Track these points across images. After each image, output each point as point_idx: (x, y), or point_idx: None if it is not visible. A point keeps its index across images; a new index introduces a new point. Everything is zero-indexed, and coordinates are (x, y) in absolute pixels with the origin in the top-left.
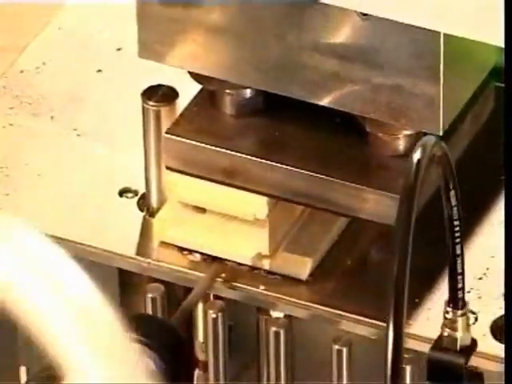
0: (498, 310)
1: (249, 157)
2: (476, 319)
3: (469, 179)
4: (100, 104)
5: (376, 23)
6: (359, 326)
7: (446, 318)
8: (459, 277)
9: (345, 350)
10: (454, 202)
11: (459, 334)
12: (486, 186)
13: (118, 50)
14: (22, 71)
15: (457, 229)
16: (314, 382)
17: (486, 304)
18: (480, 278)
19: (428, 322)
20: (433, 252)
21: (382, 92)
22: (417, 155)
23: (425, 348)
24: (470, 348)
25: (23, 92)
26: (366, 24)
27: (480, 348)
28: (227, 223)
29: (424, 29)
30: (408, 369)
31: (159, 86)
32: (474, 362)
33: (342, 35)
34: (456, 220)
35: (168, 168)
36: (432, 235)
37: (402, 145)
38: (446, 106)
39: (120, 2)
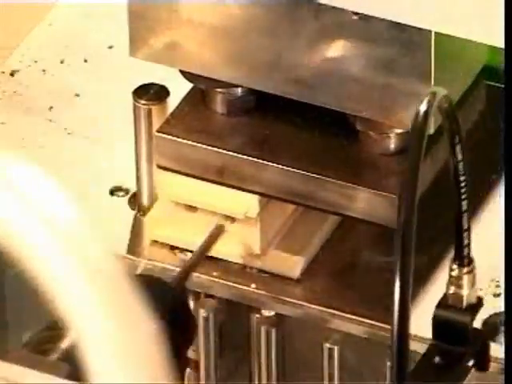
0: (490, 310)
1: (240, 155)
2: None
3: None
4: (91, 103)
5: (367, 22)
6: (350, 324)
7: (451, 276)
8: (465, 233)
9: (336, 348)
10: (459, 156)
11: (465, 292)
12: (476, 184)
13: (110, 47)
14: (12, 70)
15: (462, 184)
16: (305, 382)
17: None
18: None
19: (422, 321)
20: (428, 252)
21: (373, 90)
22: (423, 106)
23: (416, 347)
24: (476, 306)
25: (14, 91)
26: (357, 22)
27: None
28: (218, 222)
29: (415, 27)
30: None
31: (150, 84)
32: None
33: (333, 34)
34: (462, 175)
35: (159, 167)
36: (427, 235)
37: (392, 143)
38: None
39: (111, 1)
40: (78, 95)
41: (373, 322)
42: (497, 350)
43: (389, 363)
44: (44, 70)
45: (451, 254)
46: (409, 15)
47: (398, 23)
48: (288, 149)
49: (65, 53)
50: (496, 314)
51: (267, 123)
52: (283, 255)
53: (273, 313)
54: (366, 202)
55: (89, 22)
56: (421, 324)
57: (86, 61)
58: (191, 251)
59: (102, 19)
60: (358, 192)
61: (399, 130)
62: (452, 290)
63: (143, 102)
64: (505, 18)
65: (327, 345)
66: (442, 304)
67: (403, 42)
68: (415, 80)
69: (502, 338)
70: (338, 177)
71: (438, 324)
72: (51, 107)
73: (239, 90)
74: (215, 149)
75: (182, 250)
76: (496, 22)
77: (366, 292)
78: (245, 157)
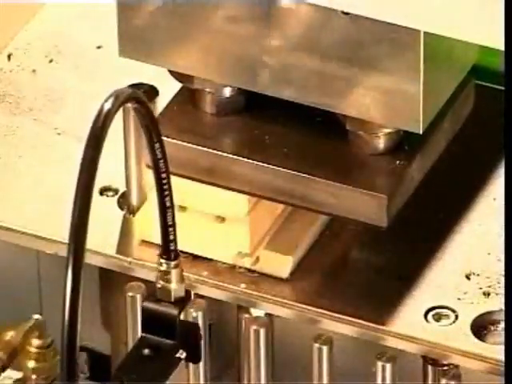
0: (479, 308)
1: (229, 155)
2: (456, 317)
3: (448, 177)
4: (80, 103)
5: (357, 21)
6: (340, 324)
7: (159, 271)
8: (170, 229)
9: (325, 348)
10: (159, 154)
11: (173, 286)
12: (466, 184)
13: (99, 47)
14: (1, 70)
15: (165, 181)
16: (294, 382)
17: (467, 303)
18: (467, 277)
19: (409, 320)
20: (411, 252)
21: (363, 90)
22: (108, 104)
23: (405, 346)
24: (184, 299)
25: (4, 91)
26: (347, 22)
27: (461, 346)
28: (208, 222)
29: (404, 27)
30: (388, 367)
31: (139, 84)
32: (455, 360)
33: (323, 34)
34: (163, 172)
35: (148, 167)
36: (411, 236)
37: (382, 143)
38: (426, 104)
39: (100, 1)
40: (67, 95)
41: (362, 322)
42: (485, 349)
43: None
44: (33, 70)
45: (442, 254)
46: (398, 15)
47: (388, 23)
48: (277, 149)
49: (54, 53)
50: (486, 314)
51: (257, 123)
52: (273, 255)
53: (262, 313)
54: (356, 202)
55: (78, 22)
56: (410, 324)
57: (74, 61)
58: (180, 251)
59: (90, 19)
60: (347, 192)
61: (388, 130)
62: (160, 284)
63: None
64: (505, 18)
65: (316, 344)
66: (151, 298)
67: (392, 41)
68: (404, 80)
69: (490, 337)
70: (327, 177)
71: (147, 317)
72: (41, 107)
73: (229, 90)
74: (204, 149)
75: None
76: (486, 21)
77: (355, 291)
78: (234, 157)
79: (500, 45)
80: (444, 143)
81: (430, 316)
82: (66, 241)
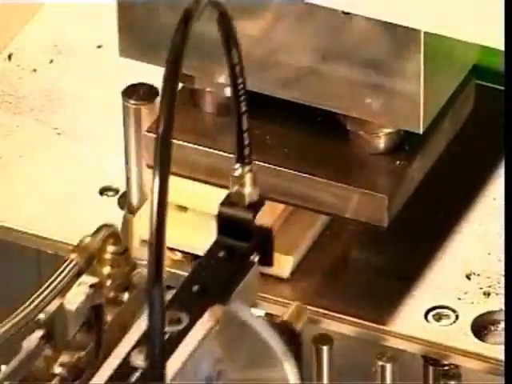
0: (480, 309)
1: (230, 155)
2: (457, 317)
3: (448, 177)
4: (80, 103)
5: (357, 21)
6: (340, 324)
7: (233, 176)
8: (245, 134)
9: (325, 348)
10: (235, 60)
11: (247, 190)
12: (467, 184)
13: (99, 47)
14: (2, 70)
15: (240, 86)
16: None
17: (467, 303)
18: (467, 277)
19: (409, 319)
20: (411, 252)
21: (363, 90)
22: (189, 7)
23: (406, 346)
24: (258, 203)
25: (4, 91)
26: (347, 22)
27: (461, 346)
28: (208, 222)
29: (404, 27)
30: (388, 367)
31: (140, 84)
32: (455, 360)
33: (323, 33)
34: (239, 77)
35: (149, 166)
36: (411, 236)
37: (382, 143)
38: (426, 104)
39: (100, 1)
40: (67, 95)
41: (362, 322)
42: (486, 349)
43: None
44: (33, 70)
45: (443, 254)
46: (398, 15)
47: (388, 22)
48: (278, 149)
49: (54, 53)
50: (486, 314)
51: (257, 123)
52: (273, 255)
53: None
54: (356, 202)
55: (78, 21)
56: (411, 324)
57: (74, 60)
58: (181, 251)
59: (90, 19)
60: (347, 191)
61: (389, 130)
62: (235, 188)
63: (132, 101)
64: (505, 18)
65: (317, 344)
66: (226, 202)
67: (392, 41)
68: (405, 79)
69: (490, 337)
70: (327, 176)
71: (223, 221)
72: (41, 107)
73: (228, 89)
74: (205, 149)
75: (172, 250)
76: (486, 21)
77: (355, 291)
78: (233, 156)
79: (500, 45)
80: (444, 143)
81: (430, 316)
82: (66, 241)
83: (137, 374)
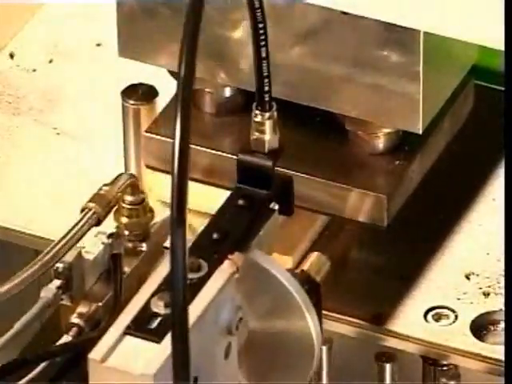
0: (479, 309)
1: (229, 155)
2: (456, 317)
3: (448, 177)
4: (80, 102)
5: (356, 21)
6: (340, 324)
7: (254, 122)
8: (266, 80)
9: (325, 348)
10: (257, 4)
11: (267, 137)
12: (466, 184)
13: (98, 47)
14: (1, 70)
15: (261, 31)
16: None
17: (466, 303)
18: (466, 277)
19: (408, 319)
20: (411, 252)
21: (362, 90)
22: None
23: (405, 346)
24: (278, 150)
25: (3, 91)
26: (347, 22)
27: (460, 346)
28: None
29: (404, 27)
30: (387, 367)
31: (139, 84)
32: (454, 360)
33: (322, 34)
34: (260, 23)
35: (148, 166)
36: (410, 236)
37: (382, 143)
38: (425, 104)
39: (99, 1)
40: (66, 95)
41: (362, 322)
42: (485, 349)
43: None
44: (33, 70)
45: (442, 254)
46: (398, 15)
47: (388, 23)
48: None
49: (54, 53)
50: (485, 314)
51: None
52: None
53: None
54: (355, 202)
55: (77, 21)
56: (410, 324)
57: (74, 61)
58: None
59: (90, 19)
60: (346, 192)
61: (388, 130)
62: (255, 135)
63: (132, 101)
64: (505, 18)
65: None
66: (245, 149)
67: (392, 41)
68: (404, 80)
69: (489, 337)
70: (326, 176)
71: (242, 168)
72: (40, 107)
73: (228, 90)
74: (204, 149)
75: None
76: (486, 21)
77: (355, 292)
78: (233, 157)
79: (500, 45)
80: (443, 143)
81: (429, 316)
82: None
83: (157, 321)
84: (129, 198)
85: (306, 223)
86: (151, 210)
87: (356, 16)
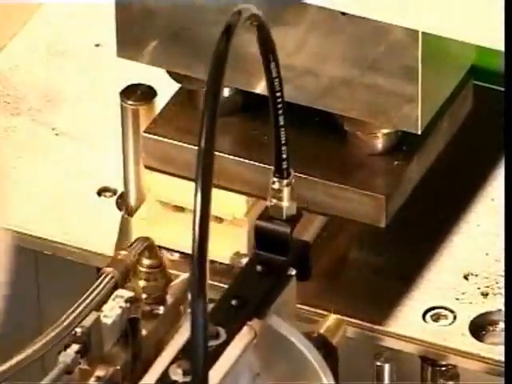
0: (478, 309)
1: (227, 156)
2: (455, 318)
3: (446, 178)
4: (78, 103)
5: (355, 22)
6: None
7: (272, 189)
8: (283, 147)
9: None
10: (274, 74)
11: (285, 204)
12: (465, 184)
13: (97, 47)
14: (0, 70)
15: (279, 100)
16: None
17: (465, 303)
18: (465, 278)
19: (407, 320)
20: (410, 253)
21: (361, 90)
22: (230, 20)
23: (404, 347)
24: (296, 217)
25: (2, 91)
26: (345, 23)
27: (459, 347)
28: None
29: (402, 27)
30: (386, 367)
31: (138, 85)
32: (453, 360)
33: (320, 34)
34: (278, 92)
35: (146, 167)
36: (409, 236)
37: (380, 143)
38: (424, 105)
39: (98, 1)
40: (65, 96)
41: (361, 322)
42: (484, 349)
43: None
44: (31, 71)
45: (441, 255)
46: (396, 15)
47: (386, 23)
48: None
49: (53, 53)
50: (484, 314)
51: (254, 124)
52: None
53: None
54: (354, 202)
55: (76, 22)
56: (409, 324)
57: (73, 61)
58: (178, 251)
59: (89, 20)
60: (345, 192)
61: (387, 130)
62: (273, 202)
63: (130, 102)
64: (505, 18)
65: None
66: (264, 216)
67: (390, 41)
68: (403, 80)
69: (488, 337)
70: (325, 177)
71: (260, 235)
72: (39, 107)
73: (226, 90)
74: None
75: (169, 251)
76: (486, 22)
77: (353, 292)
78: (232, 157)
79: (499, 45)
80: (442, 144)
81: (428, 316)
82: (64, 241)
83: None
84: (146, 262)
85: (305, 224)
86: (168, 274)
87: (355, 16)
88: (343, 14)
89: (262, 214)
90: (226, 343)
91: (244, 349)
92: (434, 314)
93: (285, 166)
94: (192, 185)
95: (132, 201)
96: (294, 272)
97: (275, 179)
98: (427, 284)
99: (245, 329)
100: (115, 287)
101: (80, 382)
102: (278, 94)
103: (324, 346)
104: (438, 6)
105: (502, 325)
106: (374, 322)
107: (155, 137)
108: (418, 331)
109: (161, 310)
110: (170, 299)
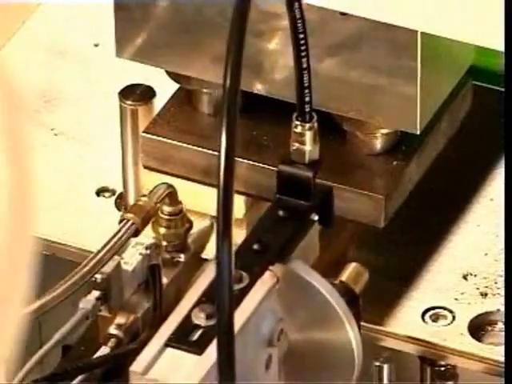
0: (477, 309)
1: None
2: (454, 318)
3: (445, 178)
4: (77, 103)
5: (354, 22)
6: None
7: (294, 133)
8: (306, 90)
9: None
10: (298, 14)
11: (307, 148)
12: (464, 185)
13: (96, 47)
14: None
15: (302, 42)
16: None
17: (464, 303)
18: (464, 278)
19: (406, 320)
20: (409, 253)
21: (360, 91)
22: None
23: (403, 347)
24: (318, 162)
25: None
26: (344, 22)
27: (458, 347)
28: (205, 222)
29: (401, 27)
30: (385, 367)
31: (136, 85)
32: (452, 360)
33: (320, 34)
34: (300, 33)
35: (145, 167)
36: (408, 237)
37: (379, 143)
38: (423, 105)
39: (97, 1)
40: (63, 96)
41: (361, 323)
42: (483, 349)
43: None
44: (30, 71)
45: (440, 255)
46: (395, 15)
47: (385, 23)
48: (275, 149)
49: (52, 53)
50: (483, 314)
51: (254, 124)
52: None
53: None
54: (353, 202)
55: (75, 22)
56: (408, 324)
57: (71, 61)
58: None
59: (88, 19)
60: (344, 192)
61: (386, 131)
62: (295, 146)
63: (129, 102)
64: (505, 18)
65: None
66: (286, 160)
67: (389, 42)
68: (402, 80)
69: (487, 338)
70: (324, 177)
71: (282, 179)
72: (38, 107)
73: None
74: (201, 149)
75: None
76: (485, 22)
77: None
78: None
79: (499, 46)
80: (441, 144)
81: (427, 316)
82: (63, 242)
83: (198, 333)
84: (167, 209)
85: None
86: (189, 221)
87: (354, 16)
88: (342, 14)
89: (284, 158)
90: (249, 287)
91: (267, 293)
92: (432, 314)
93: (307, 110)
94: (192, 185)
95: (131, 201)
96: (316, 217)
97: (297, 122)
98: (426, 284)
99: (267, 273)
100: (136, 233)
101: (100, 329)
102: (301, 36)
103: (347, 293)
104: (437, 6)
105: (500, 325)
106: (373, 322)
107: (154, 137)
108: (417, 331)
109: (181, 257)
110: (190, 247)
